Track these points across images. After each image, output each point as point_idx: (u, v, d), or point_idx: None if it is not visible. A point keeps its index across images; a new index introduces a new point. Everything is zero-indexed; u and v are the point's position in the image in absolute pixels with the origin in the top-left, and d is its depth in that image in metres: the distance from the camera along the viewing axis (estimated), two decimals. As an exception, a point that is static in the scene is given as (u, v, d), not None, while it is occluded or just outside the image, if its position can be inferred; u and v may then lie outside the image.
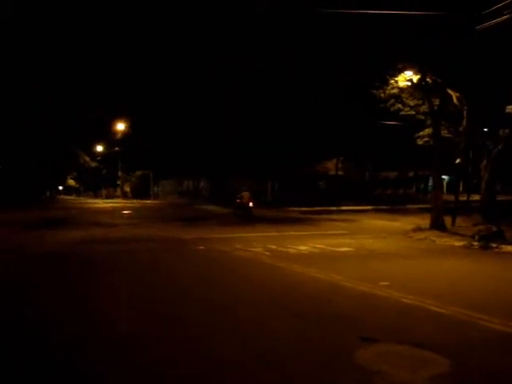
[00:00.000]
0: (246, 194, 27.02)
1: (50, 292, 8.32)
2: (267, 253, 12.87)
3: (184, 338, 5.77)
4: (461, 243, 15.12)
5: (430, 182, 57.39)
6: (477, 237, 15.05)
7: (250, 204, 26.93)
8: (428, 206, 31.79)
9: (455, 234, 17.15)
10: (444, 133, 20.93)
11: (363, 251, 13.55)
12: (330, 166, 50.64)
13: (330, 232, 19.00)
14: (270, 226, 21.21)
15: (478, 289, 8.66)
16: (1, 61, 36.38)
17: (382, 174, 56.48)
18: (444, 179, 47.18)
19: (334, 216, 27.98)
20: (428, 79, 19.46)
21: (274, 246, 14.09)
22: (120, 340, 5.68)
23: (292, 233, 18.66)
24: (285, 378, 4.60)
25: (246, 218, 25.27)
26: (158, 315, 6.74)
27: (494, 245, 14.31)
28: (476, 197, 22.95)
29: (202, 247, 14.11)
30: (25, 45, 38.69)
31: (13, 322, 6.47)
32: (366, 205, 36.42)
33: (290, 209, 33.90)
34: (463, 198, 20.92)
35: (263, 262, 11.38)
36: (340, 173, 49.58)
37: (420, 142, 22.76)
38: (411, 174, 57.73)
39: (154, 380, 4.58)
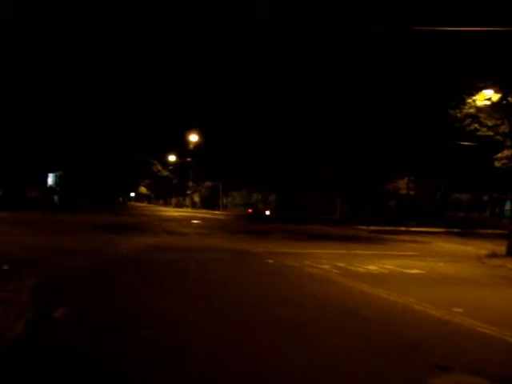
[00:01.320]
0: (260, 205, 32.45)
1: (131, 295, 8.69)
2: (336, 270, 12.84)
3: (251, 352, 5.90)
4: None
5: (507, 206, 55.32)
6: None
7: (267, 212, 33.93)
8: (503, 231, 30.82)
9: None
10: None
11: (434, 274, 13.28)
12: (401, 185, 49.82)
13: (399, 253, 18.69)
14: (339, 244, 21.11)
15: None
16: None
17: (453, 195, 54.90)
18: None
19: (404, 237, 27.48)
20: (510, 98, 18.86)
21: (342, 264, 14.04)
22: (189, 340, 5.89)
23: (360, 251, 18.50)
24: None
25: (262, 222, 27.83)
26: (233, 323, 6.92)
27: None
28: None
29: (271, 261, 14.24)
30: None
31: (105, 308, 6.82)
32: (437, 227, 35.48)
33: (359, 227, 33.56)
34: None
35: (332, 280, 11.38)
36: (411, 192, 48.69)
37: (498, 165, 21.96)
38: (486, 197, 55.80)
39: None
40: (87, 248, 15.34)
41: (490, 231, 33.27)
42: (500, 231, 32.04)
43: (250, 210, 33.19)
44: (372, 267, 13.88)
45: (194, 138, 59.67)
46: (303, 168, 46.44)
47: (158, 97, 53.09)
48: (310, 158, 45.69)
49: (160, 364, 5.25)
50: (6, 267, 9.73)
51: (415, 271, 13.57)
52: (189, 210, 59.76)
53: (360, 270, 13.32)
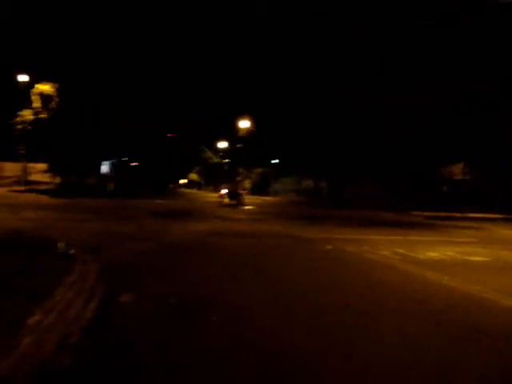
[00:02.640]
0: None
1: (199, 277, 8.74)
2: (396, 257, 12.57)
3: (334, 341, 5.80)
4: None
5: None
6: None
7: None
8: None
9: None
10: None
11: (500, 262, 12.79)
12: (456, 170, 48.39)
13: (457, 239, 18.15)
14: (394, 230, 20.74)
15: None
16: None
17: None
18: None
19: (459, 223, 26.74)
20: None
21: (401, 250, 13.74)
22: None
23: (417, 238, 18.08)
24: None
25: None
26: (300, 312, 6.84)
27: None
28: None
29: (329, 247, 14.09)
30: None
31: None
32: (494, 213, 34.35)
33: (412, 213, 32.89)
34: None
35: (394, 266, 11.12)
36: (466, 178, 47.23)
37: None
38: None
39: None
40: (146, 233, 15.59)
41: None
42: None
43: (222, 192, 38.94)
44: (433, 254, 13.52)
45: (244, 124, 59.76)
46: (355, 155, 45.79)
47: (210, 83, 53.36)
48: (362, 146, 45.01)
49: (232, 353, 5.22)
50: (71, 252, 9.95)
51: (479, 259, 13.12)
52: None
53: (421, 256, 12.98)
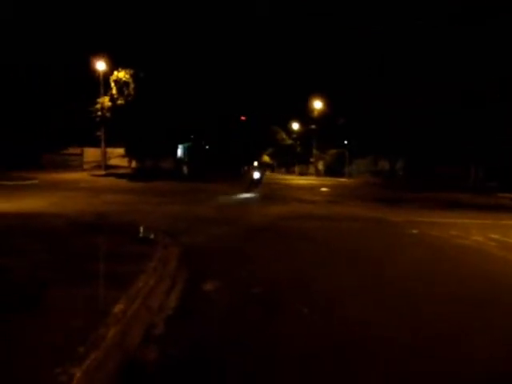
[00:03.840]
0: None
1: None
2: (492, 243, 11.66)
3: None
4: None
5: None
6: None
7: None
8: None
9: None
10: None
11: None
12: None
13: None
14: (481, 213, 19.51)
15: None
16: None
17: None
18: None
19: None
20: None
21: (496, 236, 12.77)
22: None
23: (510, 222, 16.91)
24: None
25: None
26: (393, 305, 6.31)
27: None
28: None
29: (415, 231, 13.32)
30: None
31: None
32: None
33: (500, 195, 31.11)
34: None
35: (491, 253, 10.28)
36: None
37: None
38: None
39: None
40: (224, 217, 15.38)
41: None
42: None
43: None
44: (533, 240, 12.50)
45: (317, 104, 58.79)
46: (434, 135, 43.88)
47: (283, 65, 52.79)
48: (440, 125, 43.07)
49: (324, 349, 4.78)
50: (151, 236, 9.81)
51: None
52: (313, 177, 59.19)
53: (518, 242, 12.02)
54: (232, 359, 4.47)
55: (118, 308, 5.13)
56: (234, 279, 7.28)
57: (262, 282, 7.17)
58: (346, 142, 59.02)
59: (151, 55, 40.87)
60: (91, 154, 49.01)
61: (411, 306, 6.25)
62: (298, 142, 72.92)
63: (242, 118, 69.75)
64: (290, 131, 73.43)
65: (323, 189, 33.40)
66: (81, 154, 50.58)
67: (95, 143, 45.56)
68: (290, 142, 73.91)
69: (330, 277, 7.73)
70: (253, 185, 26.74)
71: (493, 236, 12.76)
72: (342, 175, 58.34)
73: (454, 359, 4.60)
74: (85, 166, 48.07)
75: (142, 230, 10.62)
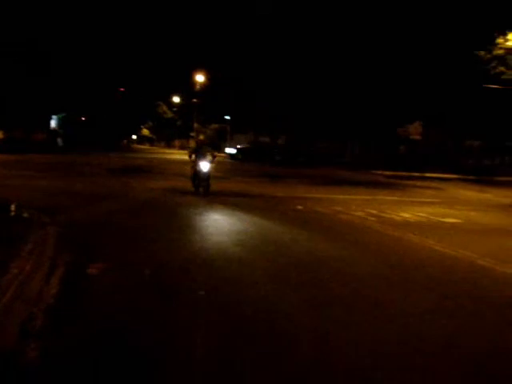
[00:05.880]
0: None
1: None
2: (372, 218, 12.12)
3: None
4: None
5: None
6: None
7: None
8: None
9: None
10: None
11: (472, 224, 12.50)
12: (412, 130, 48.58)
13: (422, 199, 17.96)
14: (360, 189, 20.38)
15: None
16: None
17: (466, 142, 53.73)
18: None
19: (420, 182, 26.73)
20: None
21: (374, 211, 13.32)
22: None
23: (384, 197, 17.75)
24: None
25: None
26: (286, 281, 6.21)
27: None
28: None
29: (300, 207, 13.50)
30: None
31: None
32: (450, 173, 34.69)
33: (374, 172, 32.79)
34: None
35: (374, 229, 10.63)
36: (420, 137, 47.51)
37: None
38: (496, 144, 54.52)
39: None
40: (105, 192, 14.58)
41: (503, 179, 32.49)
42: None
43: None
44: (406, 215, 13.17)
45: (199, 78, 58.05)
46: (314, 111, 45.15)
47: (164, 37, 51.36)
48: (320, 102, 44.38)
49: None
50: (25, 215, 8.95)
51: (452, 220, 12.82)
52: (194, 152, 58.67)
53: (395, 217, 12.59)
54: (112, 358, 4.00)
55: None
56: (122, 262, 6.79)
57: (151, 262, 6.76)
58: (227, 117, 59.05)
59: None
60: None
61: (293, 275, 6.19)
62: (178, 116, 71.83)
63: (121, 89, 67.23)
64: (171, 104, 72.06)
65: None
66: None
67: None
68: (170, 115, 72.58)
69: (222, 257, 7.49)
70: (201, 182, 15.17)
71: (372, 211, 13.28)
72: (222, 150, 58.41)
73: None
74: None
75: (13, 207, 9.67)
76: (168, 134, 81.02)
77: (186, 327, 4.64)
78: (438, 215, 13.46)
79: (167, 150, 63.78)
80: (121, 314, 4.92)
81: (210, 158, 15.27)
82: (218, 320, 4.82)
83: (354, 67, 40.62)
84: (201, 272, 6.43)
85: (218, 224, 10.63)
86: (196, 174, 15.29)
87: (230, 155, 47.80)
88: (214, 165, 15.66)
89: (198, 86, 59.42)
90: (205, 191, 15.00)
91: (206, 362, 3.96)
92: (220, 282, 6.06)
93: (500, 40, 19.27)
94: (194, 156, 15.38)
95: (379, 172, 32.36)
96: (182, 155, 46.78)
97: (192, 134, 69.70)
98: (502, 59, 19.52)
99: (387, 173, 31.89)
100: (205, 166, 15.08)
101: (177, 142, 77.20)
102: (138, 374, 3.73)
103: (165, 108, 69.35)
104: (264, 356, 4.06)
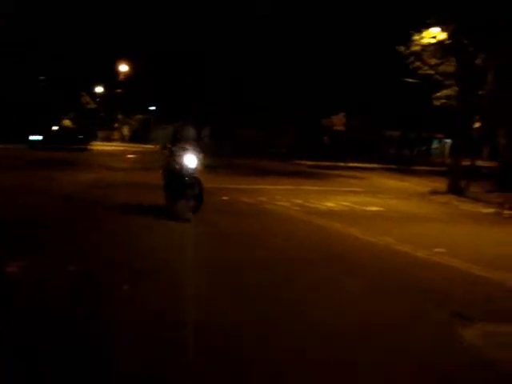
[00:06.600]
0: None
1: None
2: (296, 208, 12.35)
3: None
4: (489, 210, 14.59)
5: (435, 145, 56.95)
6: (507, 205, 14.63)
7: None
8: (433, 168, 31.55)
9: (477, 200, 16.49)
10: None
11: (393, 212, 13.06)
12: (336, 121, 49.76)
13: (346, 188, 18.51)
14: (284, 179, 20.68)
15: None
16: None
17: (386, 132, 55.72)
18: (446, 142, 46.67)
19: (343, 172, 27.44)
20: (455, 37, 18.82)
21: (299, 201, 13.56)
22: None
23: (309, 187, 18.10)
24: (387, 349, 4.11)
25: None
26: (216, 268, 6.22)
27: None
28: (481, 163, 22.50)
29: (225, 198, 13.54)
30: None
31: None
32: (372, 163, 35.86)
33: (297, 162, 33.30)
34: (467, 162, 20.36)
35: (299, 218, 10.85)
36: (344, 128, 48.78)
37: (437, 103, 21.99)
38: (413, 135, 56.91)
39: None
40: (28, 186, 13.92)
41: (421, 168, 34.02)
42: (430, 168, 32.99)
43: None
44: (330, 204, 13.53)
45: (123, 68, 56.67)
46: (239, 102, 45.32)
47: (88, 26, 49.69)
48: (246, 92, 44.63)
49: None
50: None
51: (374, 208, 13.32)
52: (118, 143, 57.34)
53: (320, 207, 12.90)
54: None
55: None
56: (46, 258, 6.49)
57: (77, 257, 6.55)
58: (152, 108, 58.12)
59: None
60: None
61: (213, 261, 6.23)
62: (102, 107, 69.81)
63: (41, 77, 64.45)
64: (94, 95, 69.91)
65: (130, 155, 32.49)
66: None
67: None
68: (94, 105, 70.44)
69: (156, 245, 7.40)
70: (187, 190, 9.51)
71: (296, 201, 13.52)
72: (147, 141, 57.40)
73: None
74: None
75: None
76: (90, 125, 78.64)
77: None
78: (361, 204, 13.93)
79: (91, 142, 61.91)
80: (37, 309, 4.76)
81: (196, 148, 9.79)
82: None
83: (283, 59, 41.04)
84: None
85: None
86: (173, 175, 9.63)
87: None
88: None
89: (121, 76, 58.04)
90: (194, 207, 9.47)
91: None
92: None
93: (416, 37, 20.11)
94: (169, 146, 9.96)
95: (302, 162, 32.93)
96: (106, 147, 45.73)
97: (116, 126, 68.07)
98: (418, 55, 20.33)
99: (310, 163, 32.48)
100: (191, 159, 9.55)
101: (100, 134, 75.11)
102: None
103: (88, 99, 67.18)
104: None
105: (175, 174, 9.49)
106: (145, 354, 3.80)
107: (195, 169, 9.56)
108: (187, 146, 9.61)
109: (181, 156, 9.49)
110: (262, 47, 40.71)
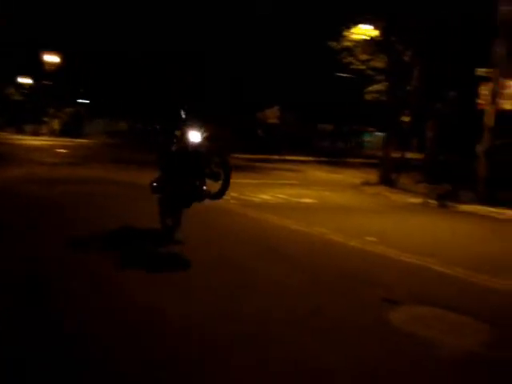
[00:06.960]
0: None
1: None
2: (232, 201, 12.41)
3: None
4: (417, 200, 15.23)
5: (367, 138, 58.54)
6: (433, 195, 15.32)
7: None
8: (365, 160, 32.50)
9: (406, 190, 17.18)
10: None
11: (327, 204, 13.44)
12: (270, 114, 50.23)
13: (281, 181, 18.84)
14: (219, 172, 20.72)
15: (465, 248, 8.65)
16: None
17: (319, 126, 56.75)
18: (378, 135, 48.15)
19: (278, 165, 27.82)
20: (385, 35, 19.49)
21: (234, 194, 13.51)
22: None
23: (244, 180, 18.12)
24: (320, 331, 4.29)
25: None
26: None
27: (450, 203, 14.56)
28: (410, 155, 23.49)
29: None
30: None
31: None
32: (306, 155, 36.48)
33: (232, 155, 33.32)
34: (397, 155, 21.20)
35: (235, 211, 10.99)
36: (278, 122, 49.31)
37: (368, 98, 22.70)
38: (345, 128, 58.25)
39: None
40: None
41: (353, 160, 34.93)
42: (362, 160, 33.94)
43: None
44: (266, 196, 13.72)
45: (52, 58, 54.73)
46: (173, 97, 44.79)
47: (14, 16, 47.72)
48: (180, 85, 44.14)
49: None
50: None
51: (309, 200, 13.62)
52: (48, 138, 55.36)
53: (255, 199, 13.08)
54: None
55: None
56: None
57: (17, 258, 6.36)
58: (84, 101, 56.63)
59: None
60: None
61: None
62: (28, 100, 67.26)
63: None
64: (20, 86, 67.16)
65: (61, 150, 31.53)
66: None
67: None
68: (19, 98, 67.66)
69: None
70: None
71: (232, 194, 13.47)
72: (78, 135, 55.86)
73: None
74: None
75: None
76: (17, 118, 75.61)
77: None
78: (295, 196, 14.20)
79: (17, 136, 59.51)
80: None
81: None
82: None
83: (217, 53, 40.95)
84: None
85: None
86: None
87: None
88: None
89: (50, 68, 56.07)
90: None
91: None
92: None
93: (346, 33, 20.70)
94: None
95: (237, 155, 33.03)
96: (34, 141, 44.18)
97: (45, 119, 65.72)
98: (350, 50, 20.88)
99: (245, 156, 32.61)
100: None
101: (28, 127, 72.35)
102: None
103: (12, 90, 64.49)
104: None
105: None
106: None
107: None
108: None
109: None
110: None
